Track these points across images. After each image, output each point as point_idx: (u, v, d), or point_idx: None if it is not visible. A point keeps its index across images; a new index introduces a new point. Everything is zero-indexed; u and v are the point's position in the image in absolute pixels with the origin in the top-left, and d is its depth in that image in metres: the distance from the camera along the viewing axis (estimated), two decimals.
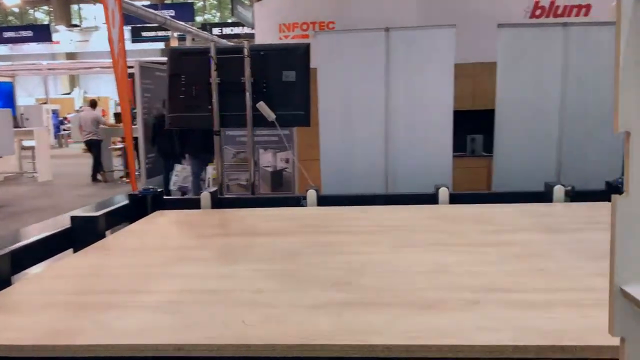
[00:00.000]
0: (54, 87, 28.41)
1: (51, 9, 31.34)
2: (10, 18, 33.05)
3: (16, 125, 13.79)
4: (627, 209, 0.78)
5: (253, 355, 1.34)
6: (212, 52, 3.70)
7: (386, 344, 1.31)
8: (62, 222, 2.54)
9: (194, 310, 1.57)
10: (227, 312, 1.55)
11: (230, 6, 20.82)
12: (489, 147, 5.10)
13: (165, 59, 4.35)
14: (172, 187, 6.18)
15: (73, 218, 2.52)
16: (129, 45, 6.28)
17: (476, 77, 5.26)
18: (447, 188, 3.07)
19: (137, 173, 7.03)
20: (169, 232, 2.72)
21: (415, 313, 1.50)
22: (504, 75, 4.27)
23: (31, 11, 33.04)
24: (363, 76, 4.40)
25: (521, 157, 4.29)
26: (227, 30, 24.46)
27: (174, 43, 21.81)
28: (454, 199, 3.05)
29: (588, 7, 5.67)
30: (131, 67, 6.46)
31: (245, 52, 3.69)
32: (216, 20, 31.49)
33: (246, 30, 21.75)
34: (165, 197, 3.26)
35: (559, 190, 3.00)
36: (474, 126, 5.41)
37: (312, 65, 3.81)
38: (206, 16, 32.48)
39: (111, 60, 5.73)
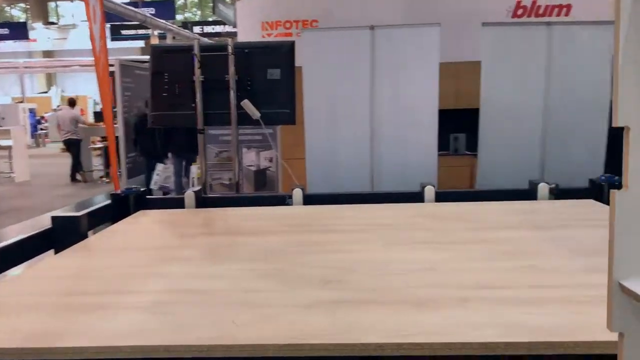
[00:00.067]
0: (30, 85, 27.89)
1: (28, 7, 30.77)
2: None
3: None
4: (626, 203, 0.78)
5: (244, 356, 1.32)
6: (196, 50, 3.66)
7: (378, 342, 1.30)
8: (42, 222, 2.48)
9: (182, 311, 1.54)
10: (216, 313, 1.52)
11: (211, 4, 20.66)
12: (471, 145, 5.13)
13: (146, 57, 4.29)
14: (153, 186, 6.12)
15: (54, 218, 2.47)
16: (108, 44, 6.17)
17: (459, 76, 5.28)
18: (433, 186, 3.08)
19: (118, 172, 6.95)
20: (153, 232, 2.67)
21: (406, 311, 1.50)
22: (488, 74, 4.30)
23: (7, 8, 32.38)
24: (348, 74, 4.40)
25: (505, 156, 4.33)
26: (208, 29, 24.34)
27: (155, 41, 21.60)
28: (440, 197, 3.06)
29: (569, 7, 5.75)
30: (111, 65, 6.36)
31: (230, 49, 3.65)
32: (197, 18, 31.26)
33: (227, 28, 21.62)
34: (148, 196, 3.21)
35: (543, 188, 3.02)
36: (456, 125, 5.44)
37: (297, 63, 3.79)
38: (187, 14, 32.20)
39: (90, 59, 5.63)
